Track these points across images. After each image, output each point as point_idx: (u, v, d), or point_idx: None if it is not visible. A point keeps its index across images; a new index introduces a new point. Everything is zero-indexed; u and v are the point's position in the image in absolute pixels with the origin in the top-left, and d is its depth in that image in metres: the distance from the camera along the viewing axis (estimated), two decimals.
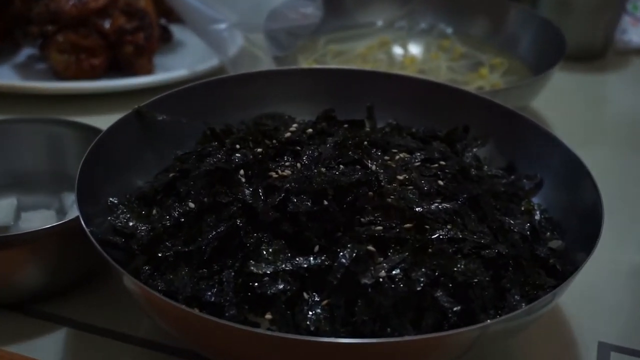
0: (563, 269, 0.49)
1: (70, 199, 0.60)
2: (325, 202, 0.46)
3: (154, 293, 0.42)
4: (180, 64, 0.88)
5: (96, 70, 0.84)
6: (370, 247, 0.44)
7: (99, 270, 0.56)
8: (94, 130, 0.59)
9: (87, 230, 0.45)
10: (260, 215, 0.46)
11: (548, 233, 0.52)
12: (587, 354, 0.52)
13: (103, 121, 0.57)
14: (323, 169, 0.49)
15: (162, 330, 0.50)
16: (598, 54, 1.00)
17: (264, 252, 0.44)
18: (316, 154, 0.50)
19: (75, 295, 0.54)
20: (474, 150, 0.58)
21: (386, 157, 0.52)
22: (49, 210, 0.60)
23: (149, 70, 0.86)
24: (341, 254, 0.44)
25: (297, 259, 0.44)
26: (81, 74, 0.83)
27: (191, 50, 0.94)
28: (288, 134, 0.54)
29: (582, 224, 0.51)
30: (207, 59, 0.87)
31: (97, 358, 0.50)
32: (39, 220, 0.57)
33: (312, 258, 0.44)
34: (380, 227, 0.45)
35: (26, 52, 0.91)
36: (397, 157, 0.53)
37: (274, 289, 0.43)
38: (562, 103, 0.88)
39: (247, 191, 0.47)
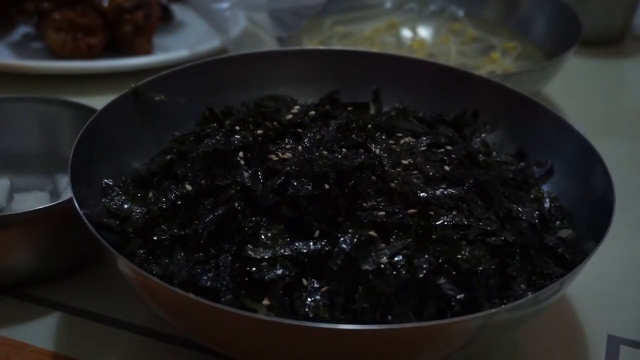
0: (572, 259, 0.47)
1: (64, 181, 0.59)
2: (327, 186, 0.45)
3: (149, 276, 0.41)
4: (181, 44, 0.86)
5: (93, 49, 0.82)
6: (372, 233, 0.43)
7: (93, 254, 0.55)
8: (89, 110, 0.58)
9: (80, 212, 0.44)
10: (259, 199, 0.44)
11: (558, 222, 0.51)
12: (596, 347, 0.50)
13: (100, 102, 0.55)
14: (325, 152, 0.47)
15: (157, 316, 0.49)
16: (615, 40, 0.97)
17: (263, 237, 0.43)
18: (318, 136, 0.49)
19: (69, 280, 0.53)
20: (483, 135, 0.57)
21: (391, 141, 0.51)
22: (43, 192, 0.59)
23: (148, 51, 0.84)
24: (342, 239, 0.43)
25: (297, 244, 0.43)
26: (78, 54, 0.81)
27: (192, 31, 0.92)
28: (290, 116, 0.52)
29: (593, 213, 0.50)
30: (208, 39, 0.85)
31: (90, 344, 0.49)
32: (32, 202, 0.57)
33: (312, 243, 0.43)
34: (382, 213, 0.44)
35: (21, 30, 0.89)
36: (402, 141, 0.52)
37: (272, 274, 0.42)
38: (576, 90, 0.85)
39: (246, 174, 0.46)
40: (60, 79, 0.79)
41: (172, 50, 0.84)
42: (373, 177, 0.46)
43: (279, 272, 0.42)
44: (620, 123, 0.82)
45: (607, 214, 0.46)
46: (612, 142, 0.70)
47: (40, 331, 0.49)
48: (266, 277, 0.42)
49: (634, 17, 0.97)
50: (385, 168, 0.47)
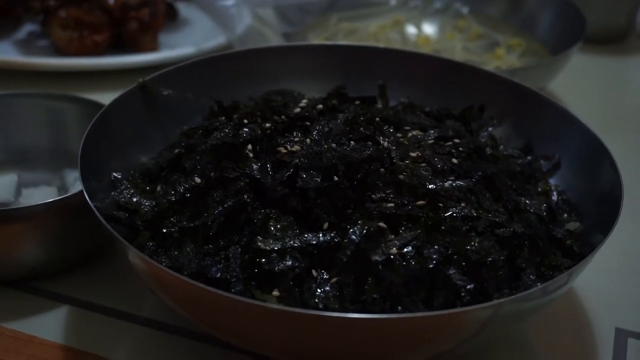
0: (580, 251, 0.47)
1: (71, 176, 0.59)
2: (336, 178, 0.45)
3: (160, 267, 0.41)
4: (186, 41, 0.86)
5: (99, 46, 0.82)
6: (382, 224, 0.43)
7: (101, 249, 0.55)
8: (96, 105, 0.58)
9: (91, 204, 0.44)
10: (269, 191, 0.45)
11: (565, 214, 0.51)
12: (603, 340, 0.51)
13: (105, 99, 0.56)
14: (333, 145, 0.47)
15: (165, 309, 0.49)
16: (619, 37, 0.97)
17: (272, 228, 0.44)
18: (326, 129, 0.49)
19: (77, 273, 0.54)
20: (490, 129, 0.57)
21: (398, 135, 0.51)
22: (50, 186, 0.59)
23: (153, 48, 0.84)
24: (351, 230, 0.43)
25: (306, 236, 0.43)
26: (84, 51, 0.82)
27: (197, 28, 0.92)
28: (297, 110, 0.52)
29: (600, 206, 0.50)
30: (214, 37, 0.85)
31: (99, 336, 0.49)
32: (40, 196, 0.57)
33: (321, 235, 0.43)
34: (391, 204, 0.44)
35: (27, 28, 0.89)
36: (410, 134, 0.52)
37: (282, 265, 0.42)
38: (581, 86, 0.85)
39: (255, 166, 0.46)
40: (66, 76, 0.80)
41: (177, 47, 0.84)
42: (382, 169, 0.46)
43: (289, 263, 0.42)
44: (624, 120, 0.82)
45: (615, 207, 0.46)
46: (615, 138, 0.70)
47: (49, 324, 0.50)
48: (276, 269, 0.42)
49: (638, 15, 0.97)
50: (394, 160, 0.47)
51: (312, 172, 0.45)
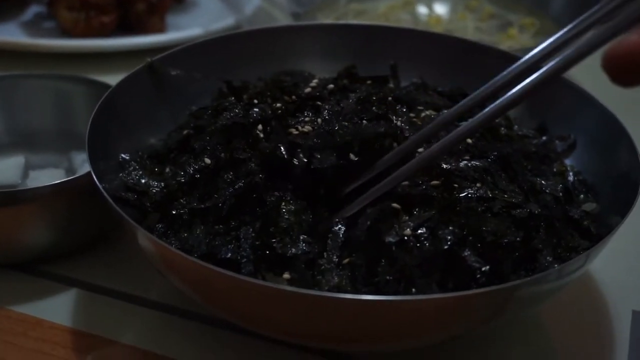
0: (598, 232, 0.46)
1: (79, 158, 0.58)
2: (352, 156, 0.44)
3: (169, 248, 0.40)
4: (194, 23, 0.85)
5: (106, 28, 0.81)
6: (395, 205, 0.42)
7: (109, 232, 0.55)
8: (104, 86, 0.57)
9: (99, 185, 0.43)
10: (288, 167, 0.44)
11: (582, 195, 0.50)
12: (620, 323, 0.50)
13: (112, 80, 0.55)
14: (345, 123, 0.46)
15: (174, 291, 0.49)
16: None
17: (284, 212, 0.43)
18: (338, 108, 0.48)
19: (86, 257, 0.53)
20: None
21: (412, 114, 0.50)
22: (58, 169, 0.58)
23: (160, 29, 0.83)
24: (364, 211, 0.42)
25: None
26: (90, 32, 0.81)
27: (205, 10, 0.91)
28: (308, 90, 0.52)
29: (618, 187, 0.49)
30: (222, 18, 0.84)
31: (107, 320, 0.49)
32: (48, 178, 0.56)
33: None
34: (405, 183, 0.44)
35: (33, 9, 0.88)
36: (423, 114, 0.51)
37: (294, 250, 0.41)
38: (596, 67, 0.83)
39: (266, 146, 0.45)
40: (72, 58, 0.79)
41: (185, 28, 0.83)
42: (395, 146, 0.45)
43: (302, 249, 0.42)
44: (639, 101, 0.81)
45: (633, 189, 0.45)
46: (631, 119, 0.68)
47: (57, 307, 0.49)
48: (288, 254, 0.41)
49: None
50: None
51: (326, 152, 0.44)
